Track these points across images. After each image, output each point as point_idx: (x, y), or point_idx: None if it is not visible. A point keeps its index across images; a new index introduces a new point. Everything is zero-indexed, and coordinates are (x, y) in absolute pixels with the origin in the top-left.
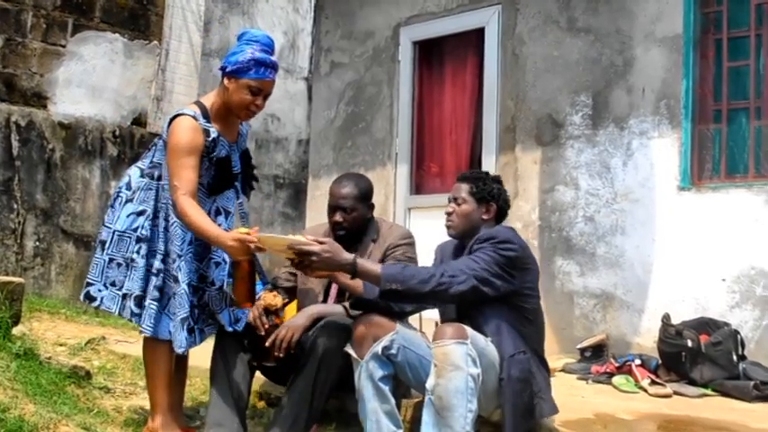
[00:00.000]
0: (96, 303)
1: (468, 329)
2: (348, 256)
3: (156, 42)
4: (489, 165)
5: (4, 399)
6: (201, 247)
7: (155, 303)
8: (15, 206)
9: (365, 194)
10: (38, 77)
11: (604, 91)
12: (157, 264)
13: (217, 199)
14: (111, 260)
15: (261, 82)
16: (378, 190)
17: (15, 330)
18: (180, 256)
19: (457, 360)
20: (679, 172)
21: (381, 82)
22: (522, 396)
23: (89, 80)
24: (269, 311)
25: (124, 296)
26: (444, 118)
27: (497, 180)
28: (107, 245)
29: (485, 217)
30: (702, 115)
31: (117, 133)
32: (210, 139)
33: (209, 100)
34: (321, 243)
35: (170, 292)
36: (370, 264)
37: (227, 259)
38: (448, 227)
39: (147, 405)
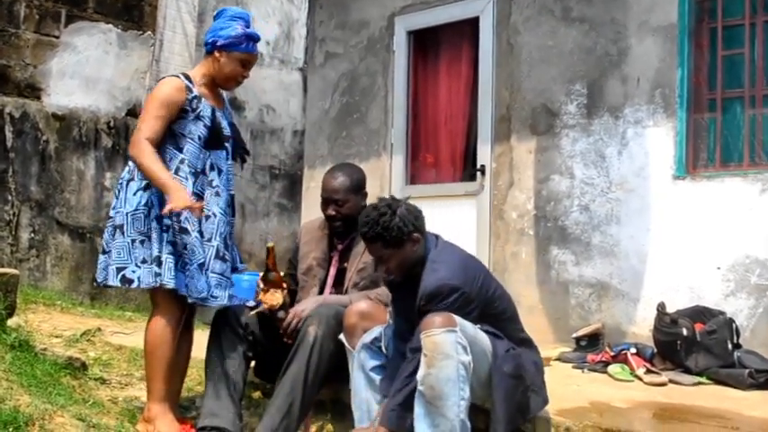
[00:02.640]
0: (135, 285)
1: (457, 317)
2: None
3: (150, 33)
4: (484, 155)
5: None
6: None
7: (171, 257)
8: (10, 198)
9: (357, 185)
10: (31, 69)
11: (599, 80)
12: (166, 220)
13: (211, 154)
14: (133, 241)
15: (250, 55)
16: (373, 181)
17: (10, 322)
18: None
19: (447, 349)
20: (674, 161)
21: (376, 72)
22: (515, 393)
23: (83, 71)
24: (274, 311)
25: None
26: (439, 108)
27: (390, 207)
28: (125, 227)
29: (415, 249)
30: (697, 104)
31: (111, 124)
32: (192, 96)
33: (193, 72)
34: None
35: (181, 244)
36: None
37: (217, 213)
38: (392, 280)
39: (143, 396)
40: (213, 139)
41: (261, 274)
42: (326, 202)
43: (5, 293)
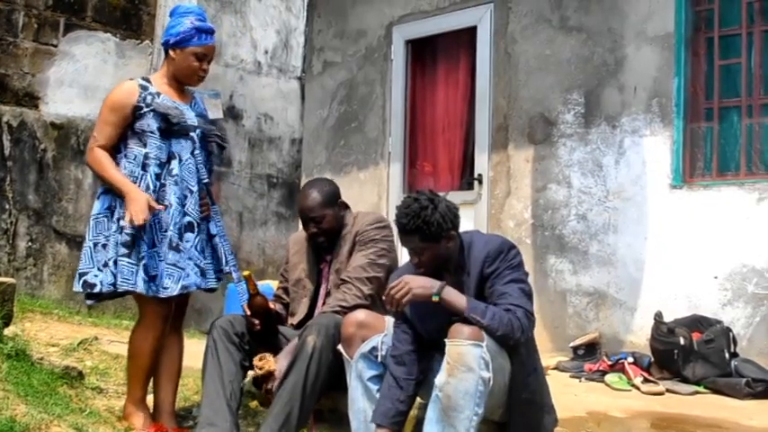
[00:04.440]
0: (97, 289)
1: (484, 332)
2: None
3: (148, 42)
4: (482, 164)
5: None
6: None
7: (125, 259)
8: (7, 206)
9: (330, 198)
10: (30, 77)
11: (596, 89)
12: (122, 222)
13: (172, 144)
14: (95, 244)
15: (205, 47)
16: (371, 189)
17: (7, 331)
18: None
19: (470, 362)
20: (671, 170)
21: (374, 81)
22: (532, 416)
23: (81, 80)
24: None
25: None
26: (437, 117)
27: (432, 201)
28: (88, 232)
29: (450, 246)
30: (694, 113)
31: None
32: (146, 93)
33: (155, 75)
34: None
35: (147, 242)
36: (457, 294)
37: (174, 203)
38: (422, 273)
39: None
40: (172, 129)
41: (246, 303)
42: (305, 222)
43: (2, 302)
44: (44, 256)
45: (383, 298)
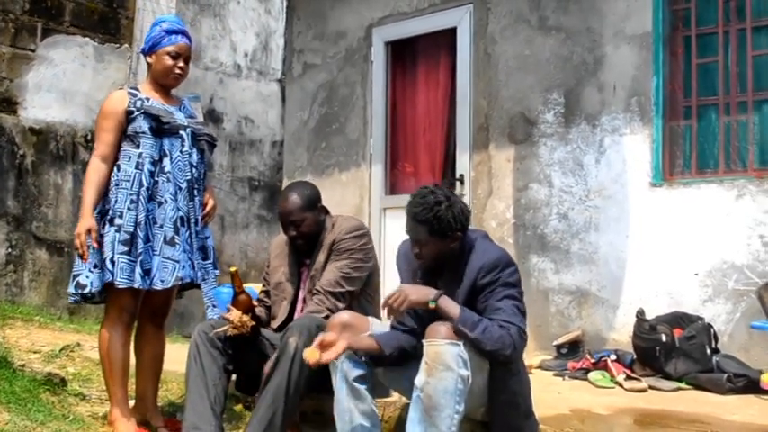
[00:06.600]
0: (87, 290)
1: None
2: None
3: (126, 46)
4: (463, 164)
5: None
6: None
7: (124, 257)
8: None
9: (310, 202)
10: (7, 83)
11: (576, 89)
12: (118, 221)
13: (164, 142)
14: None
15: (176, 46)
16: (352, 191)
17: None
18: (133, 203)
19: (448, 360)
20: (651, 168)
21: (354, 83)
22: (512, 418)
23: (60, 85)
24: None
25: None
26: (418, 118)
27: (449, 199)
28: None
29: (453, 246)
30: (673, 112)
31: (89, 138)
32: (137, 98)
33: (141, 84)
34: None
35: (143, 238)
36: (453, 304)
37: (168, 199)
38: (420, 263)
39: None
40: (163, 128)
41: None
42: (285, 225)
43: None
44: (24, 263)
45: (381, 306)
